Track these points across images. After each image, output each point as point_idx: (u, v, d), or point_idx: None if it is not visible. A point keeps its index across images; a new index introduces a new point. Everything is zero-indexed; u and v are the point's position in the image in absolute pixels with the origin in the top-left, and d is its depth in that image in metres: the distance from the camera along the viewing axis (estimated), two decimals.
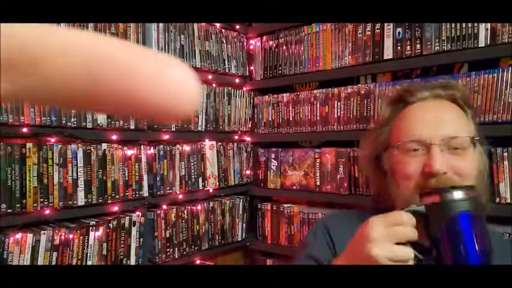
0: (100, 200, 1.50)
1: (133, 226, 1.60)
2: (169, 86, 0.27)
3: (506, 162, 1.42)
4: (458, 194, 0.61)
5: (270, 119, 2.07)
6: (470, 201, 0.61)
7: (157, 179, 1.70)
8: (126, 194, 1.58)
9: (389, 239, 0.61)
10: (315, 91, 1.91)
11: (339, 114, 1.82)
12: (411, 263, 0.60)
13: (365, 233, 0.63)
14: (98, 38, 0.28)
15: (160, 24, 1.71)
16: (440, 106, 0.79)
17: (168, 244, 1.73)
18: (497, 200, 1.42)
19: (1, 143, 1.27)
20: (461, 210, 0.60)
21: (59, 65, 0.26)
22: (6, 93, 0.25)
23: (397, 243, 0.61)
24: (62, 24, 1.39)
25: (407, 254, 0.60)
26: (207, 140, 1.92)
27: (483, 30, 1.45)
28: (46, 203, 1.35)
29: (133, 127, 1.61)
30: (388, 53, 1.67)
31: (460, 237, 0.59)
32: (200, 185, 1.88)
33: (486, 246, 0.59)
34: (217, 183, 1.96)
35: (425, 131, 0.73)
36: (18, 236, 1.28)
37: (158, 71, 0.27)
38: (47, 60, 0.26)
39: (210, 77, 1.95)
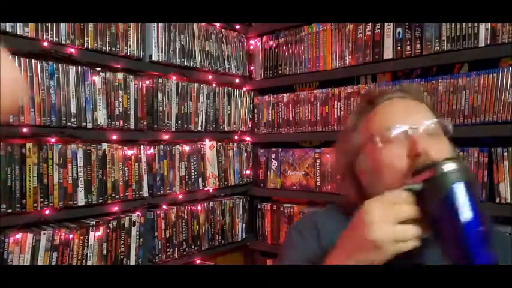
0: (100, 200, 1.50)
1: (133, 226, 1.60)
2: None
3: (506, 162, 1.42)
4: (451, 166, 0.61)
5: (270, 119, 2.07)
6: (464, 171, 0.61)
7: (157, 179, 1.70)
8: (126, 194, 1.58)
9: (390, 219, 0.58)
10: (315, 91, 1.91)
11: (339, 114, 1.82)
12: (415, 243, 0.58)
13: (362, 219, 0.59)
14: None
15: (160, 24, 1.71)
16: (408, 102, 0.81)
17: (168, 244, 1.73)
18: (497, 200, 1.42)
19: (1, 143, 1.27)
20: (456, 181, 0.60)
21: None
22: None
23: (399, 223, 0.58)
24: (62, 24, 1.40)
25: (413, 232, 0.57)
26: (207, 140, 1.93)
27: (483, 30, 1.45)
28: (46, 203, 1.35)
29: (133, 127, 1.61)
30: (388, 53, 1.67)
31: (458, 208, 0.58)
32: (200, 185, 1.88)
33: (483, 214, 0.59)
34: (217, 183, 1.96)
35: (402, 120, 0.75)
36: (18, 236, 1.28)
37: None
38: None
39: (210, 77, 1.95)
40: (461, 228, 0.58)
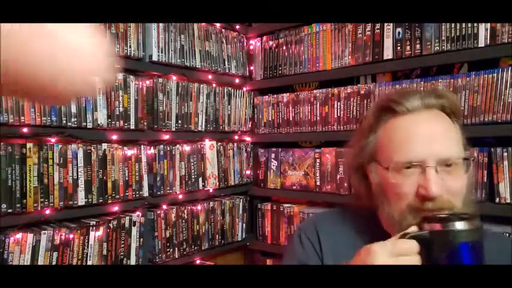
0: (100, 200, 1.50)
1: (134, 226, 1.60)
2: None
3: (506, 162, 1.42)
4: (462, 225, 0.61)
5: (270, 119, 2.07)
6: (473, 232, 0.61)
7: (158, 179, 1.70)
8: (126, 194, 1.58)
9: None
10: (315, 91, 1.91)
11: (339, 114, 1.82)
12: None
13: (368, 263, 0.60)
14: None
15: (160, 24, 1.71)
16: (432, 119, 0.74)
17: (168, 244, 1.73)
18: (497, 200, 1.42)
19: (1, 143, 1.27)
20: (464, 241, 0.60)
21: None
22: None
23: None
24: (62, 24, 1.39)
25: None
26: (207, 140, 1.93)
27: (483, 30, 1.45)
28: (46, 203, 1.35)
29: (133, 127, 1.61)
30: (388, 53, 1.67)
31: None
32: (200, 185, 1.88)
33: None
34: (217, 183, 1.96)
35: (420, 150, 0.69)
36: (19, 236, 1.28)
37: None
38: None
39: (210, 77, 1.95)
40: None
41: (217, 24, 1.99)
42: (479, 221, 0.62)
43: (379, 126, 0.77)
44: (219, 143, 1.98)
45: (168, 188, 1.74)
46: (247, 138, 2.14)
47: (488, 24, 1.44)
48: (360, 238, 0.80)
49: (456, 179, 0.70)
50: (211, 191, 1.94)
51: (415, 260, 0.61)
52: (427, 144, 0.70)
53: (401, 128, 0.74)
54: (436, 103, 0.75)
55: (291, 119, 1.98)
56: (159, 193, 1.71)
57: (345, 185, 1.80)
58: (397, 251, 0.61)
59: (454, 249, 0.60)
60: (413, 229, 0.64)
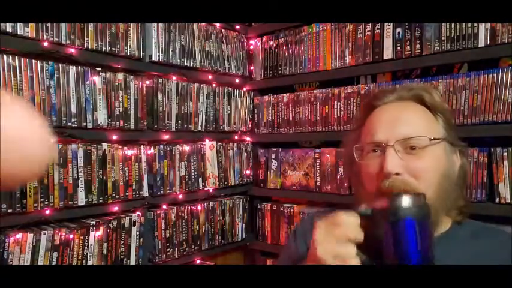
0: (100, 200, 1.50)
1: (134, 226, 1.60)
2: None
3: (506, 162, 1.42)
4: (404, 201, 0.61)
5: (270, 119, 2.07)
6: (416, 209, 0.61)
7: (158, 179, 1.70)
8: (126, 194, 1.58)
9: (329, 238, 0.62)
10: (315, 91, 1.91)
11: (339, 114, 1.82)
12: (357, 262, 0.61)
13: (313, 236, 0.64)
14: None
15: (160, 24, 1.71)
16: (402, 107, 0.78)
17: (168, 244, 1.73)
18: (497, 200, 1.43)
19: None
20: (405, 217, 0.61)
21: None
22: None
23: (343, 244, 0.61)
24: (62, 24, 1.39)
25: (348, 252, 0.61)
26: (207, 140, 1.93)
27: (483, 30, 1.45)
28: (46, 203, 1.35)
29: (133, 127, 1.61)
30: (388, 53, 1.67)
31: (400, 242, 0.60)
32: (200, 185, 1.88)
33: (427, 252, 0.60)
34: (217, 183, 1.96)
35: (383, 133, 0.74)
36: (19, 236, 1.28)
37: None
38: None
39: (210, 77, 1.95)
40: (401, 261, 0.60)
41: (217, 24, 1.99)
42: (424, 200, 0.63)
43: (361, 124, 0.83)
44: (219, 143, 1.98)
45: (168, 188, 1.74)
46: (247, 138, 2.14)
47: (488, 24, 1.44)
48: None
49: (419, 160, 0.72)
50: (211, 191, 1.94)
51: (351, 231, 0.61)
52: (390, 126, 0.74)
53: (373, 117, 0.79)
54: (408, 95, 0.79)
55: (291, 119, 1.98)
56: (159, 193, 1.71)
57: (345, 185, 1.80)
58: (331, 222, 0.63)
59: (391, 225, 0.61)
60: (362, 207, 0.65)
